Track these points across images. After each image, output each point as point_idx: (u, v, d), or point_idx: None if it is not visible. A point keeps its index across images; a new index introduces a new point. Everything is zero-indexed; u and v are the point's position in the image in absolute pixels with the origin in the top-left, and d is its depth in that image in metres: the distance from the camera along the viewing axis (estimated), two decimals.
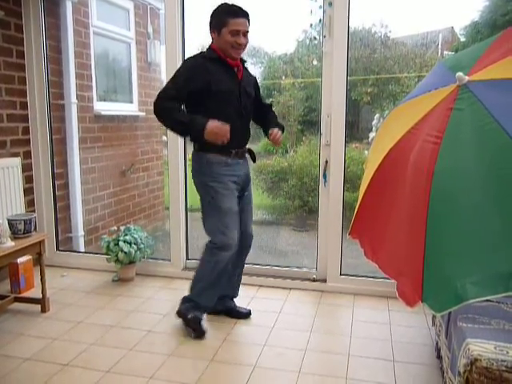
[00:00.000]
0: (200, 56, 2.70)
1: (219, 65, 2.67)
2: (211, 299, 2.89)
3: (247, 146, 2.86)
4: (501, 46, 1.77)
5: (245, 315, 3.06)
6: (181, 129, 2.70)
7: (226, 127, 2.52)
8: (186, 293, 3.44)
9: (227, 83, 2.67)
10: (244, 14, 2.62)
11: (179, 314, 2.88)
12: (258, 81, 3.03)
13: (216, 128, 2.51)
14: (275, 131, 2.80)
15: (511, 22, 3.32)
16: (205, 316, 2.92)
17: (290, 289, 3.53)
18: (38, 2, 3.75)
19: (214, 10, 2.67)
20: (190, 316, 2.82)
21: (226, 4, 2.65)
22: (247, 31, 2.64)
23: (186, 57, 3.58)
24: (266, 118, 2.97)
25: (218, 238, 2.76)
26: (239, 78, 2.73)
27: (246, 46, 2.68)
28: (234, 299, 3.12)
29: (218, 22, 2.63)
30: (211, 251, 2.79)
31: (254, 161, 2.93)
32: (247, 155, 2.89)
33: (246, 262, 3.09)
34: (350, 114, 3.94)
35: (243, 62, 2.81)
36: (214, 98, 2.64)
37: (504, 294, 1.40)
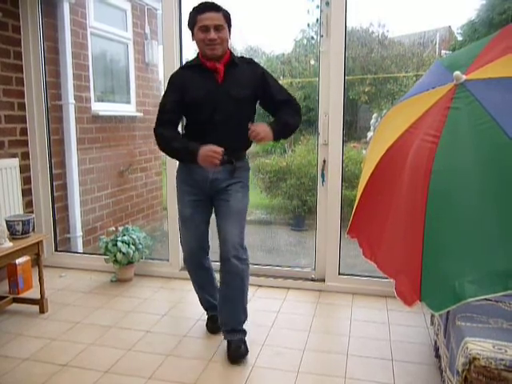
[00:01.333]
0: (181, 67, 2.68)
1: (197, 71, 2.56)
2: (201, 300, 2.93)
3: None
4: (498, 45, 1.77)
5: (231, 358, 2.57)
6: (177, 156, 2.67)
7: (218, 149, 2.38)
8: (184, 293, 3.46)
9: (201, 90, 2.52)
10: (212, 8, 2.45)
11: None
12: None
13: (208, 151, 2.39)
14: (253, 127, 2.43)
15: (508, 21, 3.33)
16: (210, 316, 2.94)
17: (289, 288, 3.53)
18: (35, 3, 3.74)
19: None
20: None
21: (197, 4, 2.51)
22: (219, 25, 2.44)
23: (184, 57, 3.63)
24: (278, 116, 2.64)
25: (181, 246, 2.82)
26: (219, 81, 2.51)
27: (223, 40, 2.46)
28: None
29: (189, 23, 2.54)
30: None
31: (230, 176, 2.59)
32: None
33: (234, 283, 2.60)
34: (348, 113, 3.94)
35: (234, 61, 2.56)
36: (187, 106, 2.55)
37: (502, 293, 1.41)
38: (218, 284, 2.71)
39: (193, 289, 3.37)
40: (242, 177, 2.64)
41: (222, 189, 2.59)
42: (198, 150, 2.40)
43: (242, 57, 2.69)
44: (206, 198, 2.64)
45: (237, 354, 2.54)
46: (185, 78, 2.57)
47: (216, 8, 2.46)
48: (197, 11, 2.47)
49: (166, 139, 2.56)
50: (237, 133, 2.50)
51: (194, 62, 2.59)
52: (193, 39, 2.55)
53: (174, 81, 2.61)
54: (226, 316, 2.65)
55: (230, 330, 2.62)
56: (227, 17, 2.51)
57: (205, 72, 2.53)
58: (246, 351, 2.57)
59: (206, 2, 2.47)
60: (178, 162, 2.73)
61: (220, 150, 2.38)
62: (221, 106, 2.50)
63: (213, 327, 2.87)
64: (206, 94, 2.50)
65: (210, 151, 2.38)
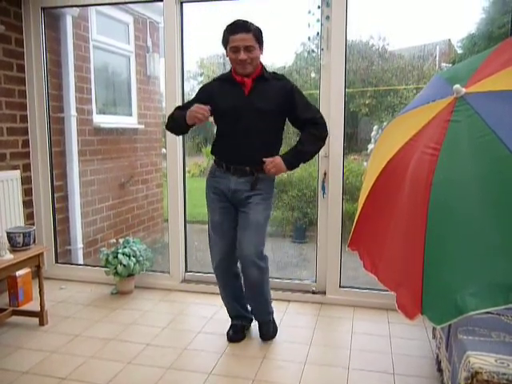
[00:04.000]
0: (213, 79, 2.83)
1: (227, 83, 2.70)
2: (229, 308, 3.00)
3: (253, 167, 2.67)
4: (498, 58, 1.78)
5: (262, 336, 2.93)
6: (172, 124, 2.79)
7: (202, 106, 2.53)
8: (185, 305, 3.45)
9: (229, 101, 2.65)
10: (243, 29, 2.54)
11: None
12: None
13: (192, 109, 2.55)
14: (269, 161, 2.61)
15: (507, 34, 3.34)
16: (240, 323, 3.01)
17: (289, 301, 3.52)
18: (38, 17, 3.78)
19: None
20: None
21: (230, 22, 2.61)
22: (249, 45, 2.54)
23: (185, 70, 3.67)
24: (298, 140, 2.74)
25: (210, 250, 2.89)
26: (245, 94, 2.65)
27: (252, 60, 2.57)
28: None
29: (223, 42, 2.66)
30: None
31: (251, 188, 2.70)
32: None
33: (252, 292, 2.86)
34: (349, 125, 3.95)
35: (264, 76, 2.67)
36: (217, 115, 2.72)
37: (504, 306, 1.40)
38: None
39: (193, 301, 3.37)
40: (263, 189, 2.73)
41: (243, 200, 2.72)
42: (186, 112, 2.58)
43: (275, 73, 2.78)
44: (231, 206, 2.78)
45: (267, 334, 2.91)
46: (214, 88, 2.75)
47: (246, 29, 2.55)
48: (228, 31, 2.60)
49: (170, 115, 2.78)
50: (260, 145, 2.67)
51: (226, 75, 2.74)
52: (226, 55, 2.68)
53: (204, 89, 2.81)
54: (254, 311, 2.98)
55: (258, 317, 2.96)
56: (258, 35, 2.60)
57: (234, 84, 2.67)
58: (275, 331, 2.95)
59: (237, 22, 2.58)
60: (207, 173, 2.87)
61: (205, 107, 2.53)
62: (245, 117, 2.63)
63: (233, 336, 2.92)
64: (232, 104, 2.64)
65: (195, 108, 2.54)
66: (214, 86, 2.76)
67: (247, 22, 2.57)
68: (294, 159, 2.70)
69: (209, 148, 2.94)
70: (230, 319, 3.01)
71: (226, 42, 2.63)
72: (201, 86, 2.86)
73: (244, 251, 2.71)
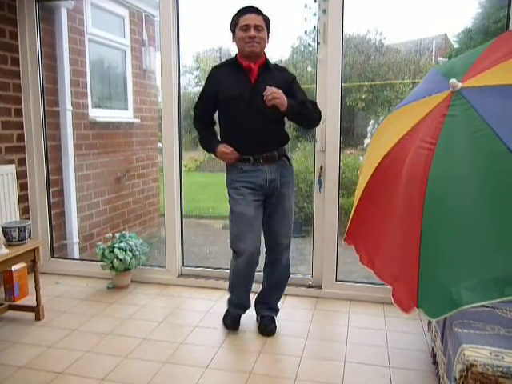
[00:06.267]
0: (216, 66, 2.87)
1: (232, 70, 2.74)
2: (238, 298, 2.97)
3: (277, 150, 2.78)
4: (494, 53, 1.78)
5: (262, 330, 2.96)
6: (204, 148, 2.94)
7: (229, 151, 2.72)
8: (182, 300, 3.45)
9: (235, 89, 2.69)
10: (252, 10, 2.66)
11: None
12: None
13: (221, 153, 2.75)
14: (269, 87, 2.60)
15: (503, 29, 3.34)
16: (243, 312, 3.03)
17: (286, 295, 3.52)
18: (33, 10, 3.75)
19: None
20: (226, 310, 3.04)
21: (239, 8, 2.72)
22: (258, 25, 2.64)
23: (181, 64, 3.66)
24: None
25: (232, 243, 2.83)
26: (252, 81, 2.69)
27: (261, 40, 2.66)
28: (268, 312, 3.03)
29: (231, 25, 2.73)
30: (232, 256, 2.88)
31: (287, 164, 2.84)
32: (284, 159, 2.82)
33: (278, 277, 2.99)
34: (345, 120, 3.95)
35: (268, 65, 2.74)
36: (222, 104, 2.75)
37: (499, 300, 1.41)
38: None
39: (190, 296, 3.37)
40: (289, 175, 2.86)
41: (277, 188, 2.80)
42: (216, 148, 2.77)
43: (277, 64, 2.85)
44: (263, 199, 2.82)
45: (267, 328, 2.93)
46: (220, 76, 2.78)
47: (257, 11, 2.67)
48: (239, 13, 2.70)
49: (198, 130, 2.92)
50: (273, 129, 2.74)
51: (231, 60, 2.78)
52: (233, 41, 2.75)
53: (208, 81, 2.83)
54: (269, 296, 3.03)
55: (268, 308, 3.02)
56: (267, 21, 2.72)
57: (240, 71, 2.71)
58: (275, 328, 2.95)
59: (248, 6, 2.69)
60: (228, 166, 2.87)
61: (230, 152, 2.72)
62: (253, 105, 2.66)
63: (233, 324, 2.97)
64: (239, 92, 2.68)
65: (224, 152, 2.74)
66: (219, 75, 2.79)
67: (256, 7, 2.69)
68: (296, 105, 2.69)
69: None
70: (226, 308, 3.02)
71: (234, 24, 2.70)
72: (207, 74, 2.88)
73: (281, 241, 2.88)
